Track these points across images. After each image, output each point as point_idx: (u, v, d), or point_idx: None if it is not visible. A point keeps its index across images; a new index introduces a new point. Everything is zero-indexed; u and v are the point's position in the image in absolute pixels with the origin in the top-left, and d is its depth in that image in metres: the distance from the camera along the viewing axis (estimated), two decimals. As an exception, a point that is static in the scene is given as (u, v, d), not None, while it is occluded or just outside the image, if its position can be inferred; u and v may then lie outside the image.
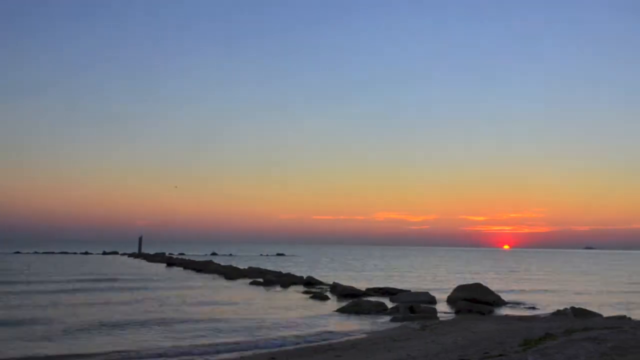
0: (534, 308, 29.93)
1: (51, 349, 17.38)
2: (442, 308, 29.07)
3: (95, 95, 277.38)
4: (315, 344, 18.69)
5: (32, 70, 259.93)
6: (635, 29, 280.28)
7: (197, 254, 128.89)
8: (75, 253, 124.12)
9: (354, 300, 29.59)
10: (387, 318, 25.18)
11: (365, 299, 31.35)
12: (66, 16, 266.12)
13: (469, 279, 47.72)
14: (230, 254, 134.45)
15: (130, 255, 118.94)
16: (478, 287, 32.52)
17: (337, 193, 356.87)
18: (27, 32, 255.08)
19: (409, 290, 36.07)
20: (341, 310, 27.38)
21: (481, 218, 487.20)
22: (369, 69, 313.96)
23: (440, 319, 24.76)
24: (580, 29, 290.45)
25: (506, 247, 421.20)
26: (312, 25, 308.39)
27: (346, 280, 47.84)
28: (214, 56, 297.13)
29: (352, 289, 37.24)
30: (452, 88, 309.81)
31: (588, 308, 26.98)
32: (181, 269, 70.48)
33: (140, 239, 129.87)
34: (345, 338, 19.91)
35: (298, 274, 51.20)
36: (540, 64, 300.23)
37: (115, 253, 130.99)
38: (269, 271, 55.78)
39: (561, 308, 27.34)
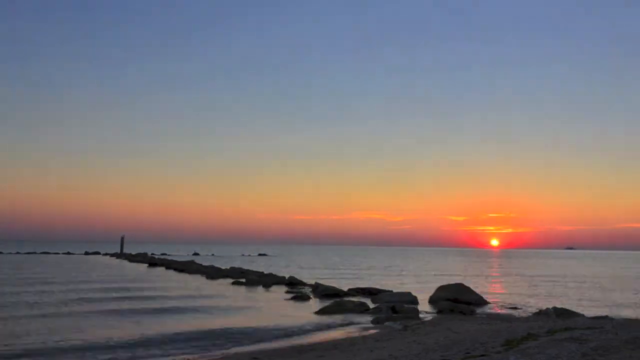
0: (516, 308, 29.94)
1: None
2: (424, 308, 28.99)
3: (79, 92, 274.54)
4: (297, 344, 18.52)
5: (12, 65, 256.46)
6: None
7: (179, 254, 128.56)
8: (57, 253, 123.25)
9: (335, 301, 29.46)
10: (369, 318, 25.04)
11: (347, 299, 31.24)
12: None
13: (451, 279, 47.78)
14: (213, 254, 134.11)
15: (112, 255, 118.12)
16: (460, 287, 32.52)
17: (317, 192, 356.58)
18: None
19: (391, 291, 36.02)
20: (323, 311, 27.19)
21: (462, 218, 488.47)
22: (355, 67, 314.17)
23: (422, 319, 24.69)
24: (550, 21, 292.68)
25: (494, 245, 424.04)
26: (302, 24, 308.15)
27: (328, 280, 47.73)
28: (205, 56, 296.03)
29: (333, 289, 37.16)
30: (432, 88, 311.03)
31: (570, 308, 27.03)
32: (163, 269, 70.08)
33: (122, 239, 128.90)
34: (327, 338, 19.74)
35: (280, 274, 51.04)
36: (525, 62, 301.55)
37: (97, 253, 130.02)
38: (251, 271, 55.59)
39: (543, 308, 27.40)
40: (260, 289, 41.43)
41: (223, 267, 62.80)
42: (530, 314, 26.51)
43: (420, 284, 47.25)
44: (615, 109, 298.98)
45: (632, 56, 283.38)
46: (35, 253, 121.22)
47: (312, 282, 43.34)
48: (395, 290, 35.97)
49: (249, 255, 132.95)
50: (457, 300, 29.85)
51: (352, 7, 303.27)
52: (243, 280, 46.64)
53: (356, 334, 20.48)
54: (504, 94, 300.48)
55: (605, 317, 23.84)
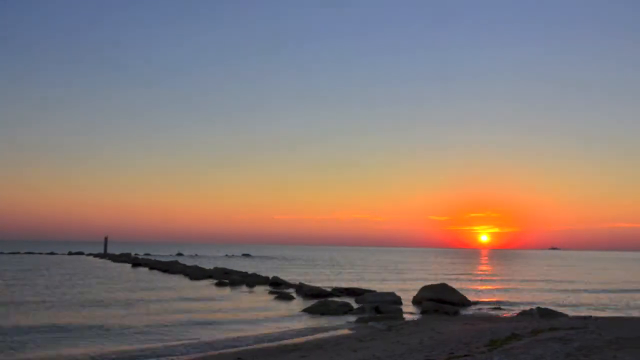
0: (500, 308, 29.98)
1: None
2: (408, 308, 28.95)
3: (66, 91, 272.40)
4: (281, 344, 18.39)
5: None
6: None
7: (163, 254, 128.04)
8: (40, 253, 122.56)
9: (319, 301, 29.31)
10: (353, 318, 24.96)
11: (331, 299, 31.11)
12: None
13: (435, 279, 47.86)
14: (196, 255, 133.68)
15: (95, 255, 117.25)
16: (443, 287, 32.45)
17: (300, 192, 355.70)
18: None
19: (375, 291, 35.94)
20: (307, 311, 27.11)
21: (444, 218, 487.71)
22: (344, 65, 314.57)
23: (406, 319, 24.64)
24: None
25: (477, 244, 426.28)
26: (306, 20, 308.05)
27: (312, 280, 47.61)
28: (195, 57, 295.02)
29: (317, 289, 37.04)
30: (416, 87, 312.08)
31: (554, 308, 27.10)
32: (147, 269, 69.51)
33: (105, 240, 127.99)
34: (311, 338, 19.63)
35: (264, 274, 50.83)
36: (511, 60, 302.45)
37: (81, 253, 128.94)
38: (235, 271, 55.32)
39: (527, 308, 27.43)
40: (244, 289, 41.19)
41: (207, 268, 62.43)
42: (514, 314, 26.54)
43: (404, 284, 47.19)
44: (600, 109, 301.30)
45: (624, 53, 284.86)
46: (19, 253, 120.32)
47: (296, 282, 43.18)
48: (379, 291, 35.92)
49: (233, 256, 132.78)
50: (441, 301, 29.81)
51: None
52: (227, 280, 46.37)
53: (340, 334, 20.36)
54: (487, 92, 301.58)
55: (589, 317, 23.91)
